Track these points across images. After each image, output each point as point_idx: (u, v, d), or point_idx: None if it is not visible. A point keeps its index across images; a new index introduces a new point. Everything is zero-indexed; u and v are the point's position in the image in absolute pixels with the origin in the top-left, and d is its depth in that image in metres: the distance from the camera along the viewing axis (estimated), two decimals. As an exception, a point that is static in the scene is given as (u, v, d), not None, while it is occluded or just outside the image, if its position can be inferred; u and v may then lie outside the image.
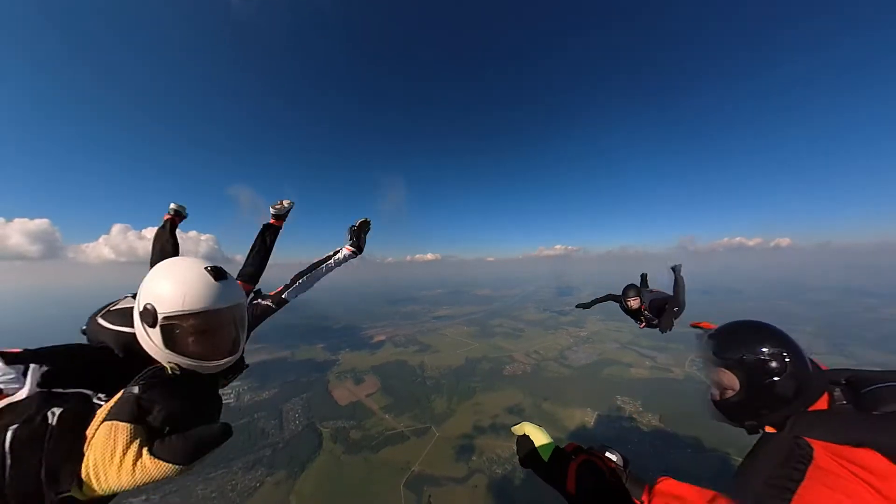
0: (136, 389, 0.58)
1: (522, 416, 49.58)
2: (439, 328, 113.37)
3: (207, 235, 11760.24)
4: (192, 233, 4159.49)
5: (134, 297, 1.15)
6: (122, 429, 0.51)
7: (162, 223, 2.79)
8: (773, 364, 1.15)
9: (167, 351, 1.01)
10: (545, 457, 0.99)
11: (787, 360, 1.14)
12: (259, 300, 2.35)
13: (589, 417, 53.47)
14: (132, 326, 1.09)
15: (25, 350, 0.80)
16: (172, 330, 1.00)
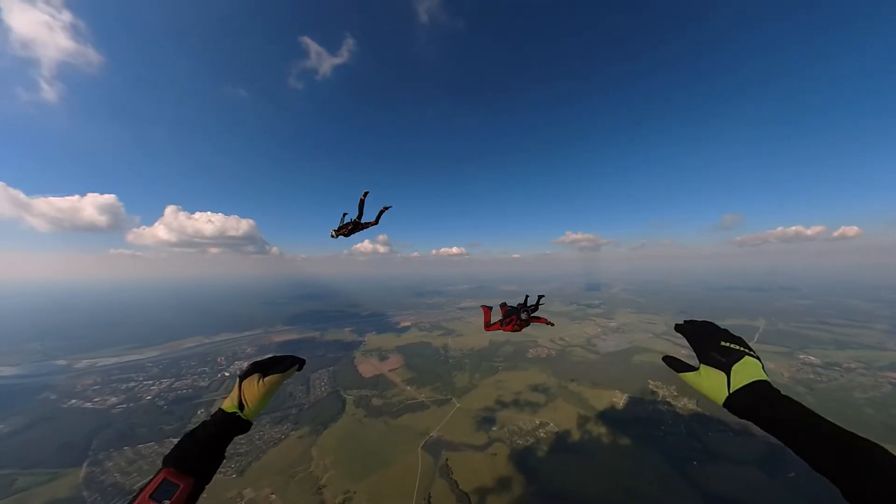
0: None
1: (547, 395, 47.99)
2: (464, 316, 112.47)
3: (248, 220, 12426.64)
4: (234, 217, 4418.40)
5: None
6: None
7: None
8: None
9: None
10: None
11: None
12: None
13: (618, 399, 50.92)
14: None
15: None
16: None
